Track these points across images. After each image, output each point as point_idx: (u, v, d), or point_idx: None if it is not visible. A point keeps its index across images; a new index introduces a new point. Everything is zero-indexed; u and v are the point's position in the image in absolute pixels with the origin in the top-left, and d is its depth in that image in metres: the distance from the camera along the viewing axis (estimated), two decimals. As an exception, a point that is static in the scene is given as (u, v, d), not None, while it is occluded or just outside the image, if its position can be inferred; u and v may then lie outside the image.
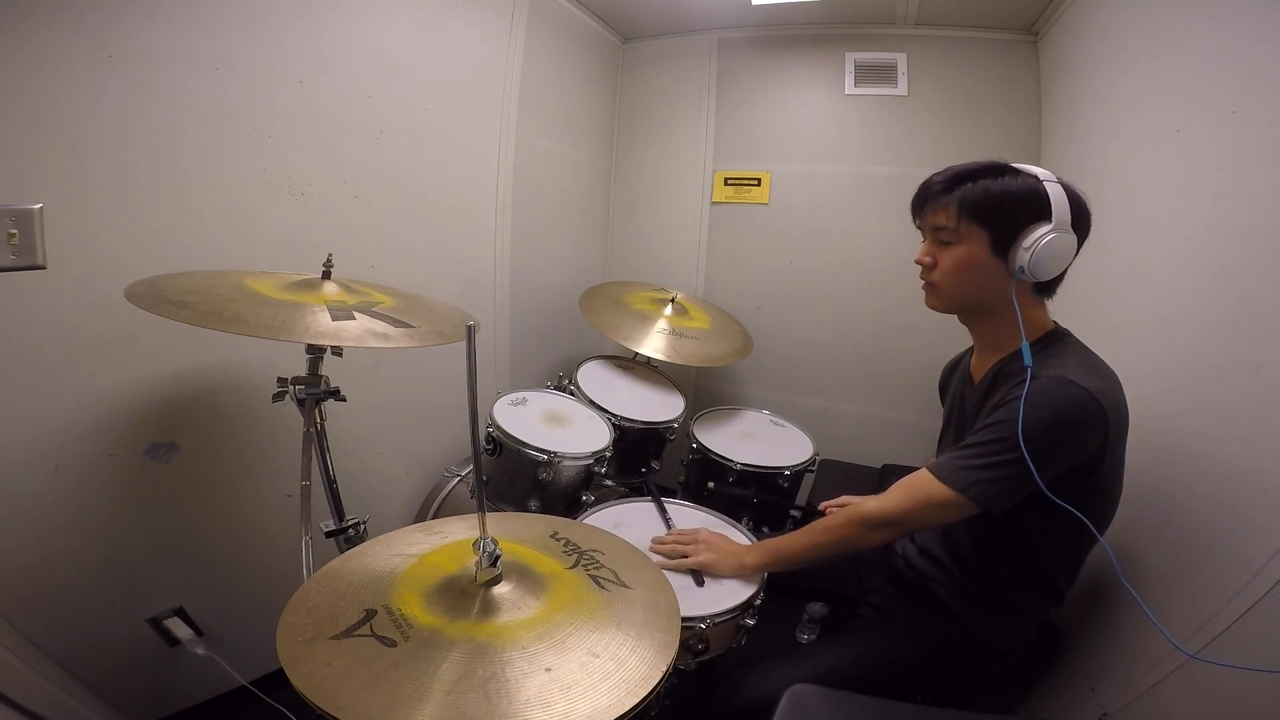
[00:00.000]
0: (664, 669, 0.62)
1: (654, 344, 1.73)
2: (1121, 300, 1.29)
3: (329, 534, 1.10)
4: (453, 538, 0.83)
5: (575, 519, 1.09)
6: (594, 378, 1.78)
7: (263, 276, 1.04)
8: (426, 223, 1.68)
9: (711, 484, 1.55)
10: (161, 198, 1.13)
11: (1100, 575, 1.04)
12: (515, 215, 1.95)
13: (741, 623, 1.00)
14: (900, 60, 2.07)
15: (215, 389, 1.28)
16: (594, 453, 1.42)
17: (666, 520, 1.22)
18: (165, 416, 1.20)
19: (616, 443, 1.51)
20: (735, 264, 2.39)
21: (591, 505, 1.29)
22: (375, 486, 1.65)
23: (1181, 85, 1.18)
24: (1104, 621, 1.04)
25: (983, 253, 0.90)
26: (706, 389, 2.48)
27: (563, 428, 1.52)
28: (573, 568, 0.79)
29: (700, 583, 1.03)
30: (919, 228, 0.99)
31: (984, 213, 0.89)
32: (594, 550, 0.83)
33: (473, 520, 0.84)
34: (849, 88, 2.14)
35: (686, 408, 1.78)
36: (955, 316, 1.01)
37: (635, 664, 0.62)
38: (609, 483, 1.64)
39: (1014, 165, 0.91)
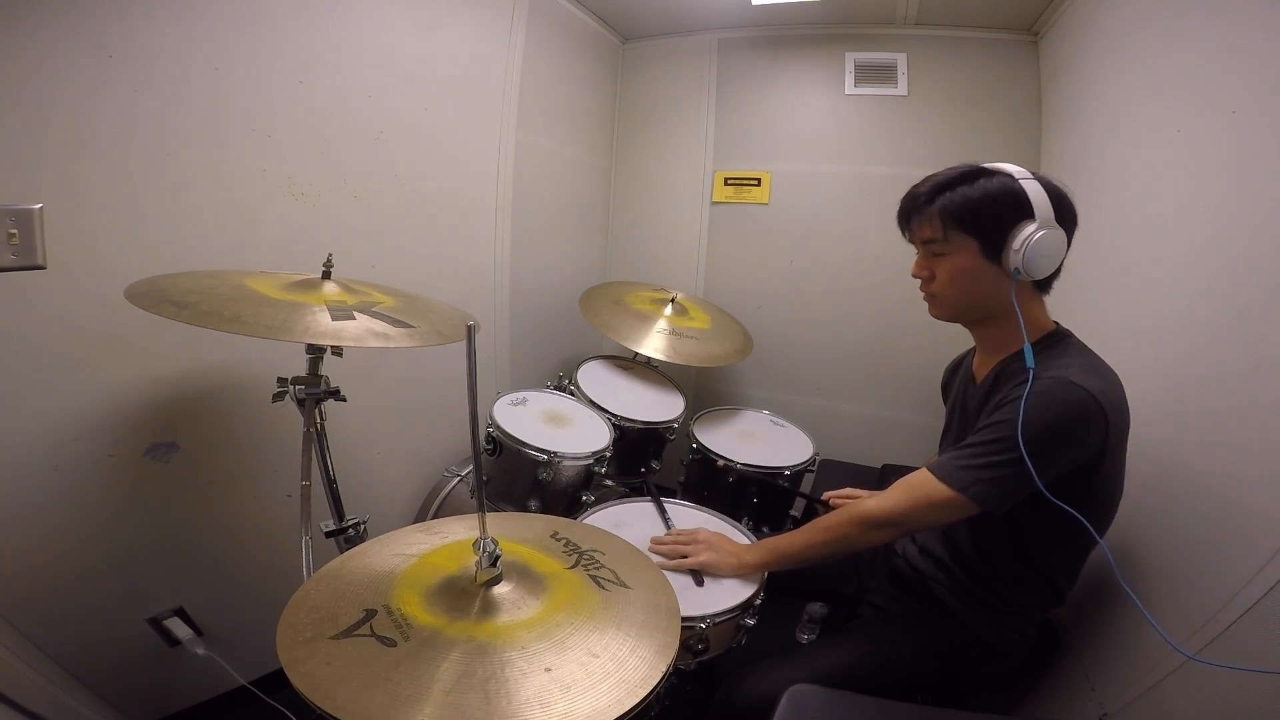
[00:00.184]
0: (664, 669, 0.62)
1: (654, 344, 1.73)
2: (1121, 300, 1.29)
3: (329, 534, 1.10)
4: (453, 538, 0.83)
5: (575, 519, 1.09)
6: (594, 378, 1.78)
7: (263, 276, 1.04)
8: (426, 223, 1.68)
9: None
10: (161, 198, 1.13)
11: (1100, 575, 1.04)
12: (515, 215, 1.95)
13: (741, 623, 1.00)
14: (900, 60, 2.07)
15: (215, 389, 1.28)
16: (594, 453, 1.42)
17: (666, 520, 1.22)
18: (165, 416, 1.20)
19: (616, 443, 1.51)
20: (735, 264, 2.39)
21: (591, 505, 1.29)
22: (375, 486, 1.65)
23: (1181, 85, 1.18)
24: (1104, 621, 1.04)
25: (975, 259, 0.90)
26: (706, 389, 2.48)
27: (563, 428, 1.52)
28: (573, 568, 0.79)
29: (700, 582, 1.03)
30: (909, 241, 0.99)
31: (967, 220, 0.89)
32: (594, 550, 0.83)
33: (473, 520, 0.84)
34: (849, 88, 2.14)
35: (686, 408, 1.78)
36: None
37: (635, 664, 0.62)
38: (609, 483, 1.64)
39: (987, 166, 0.90)
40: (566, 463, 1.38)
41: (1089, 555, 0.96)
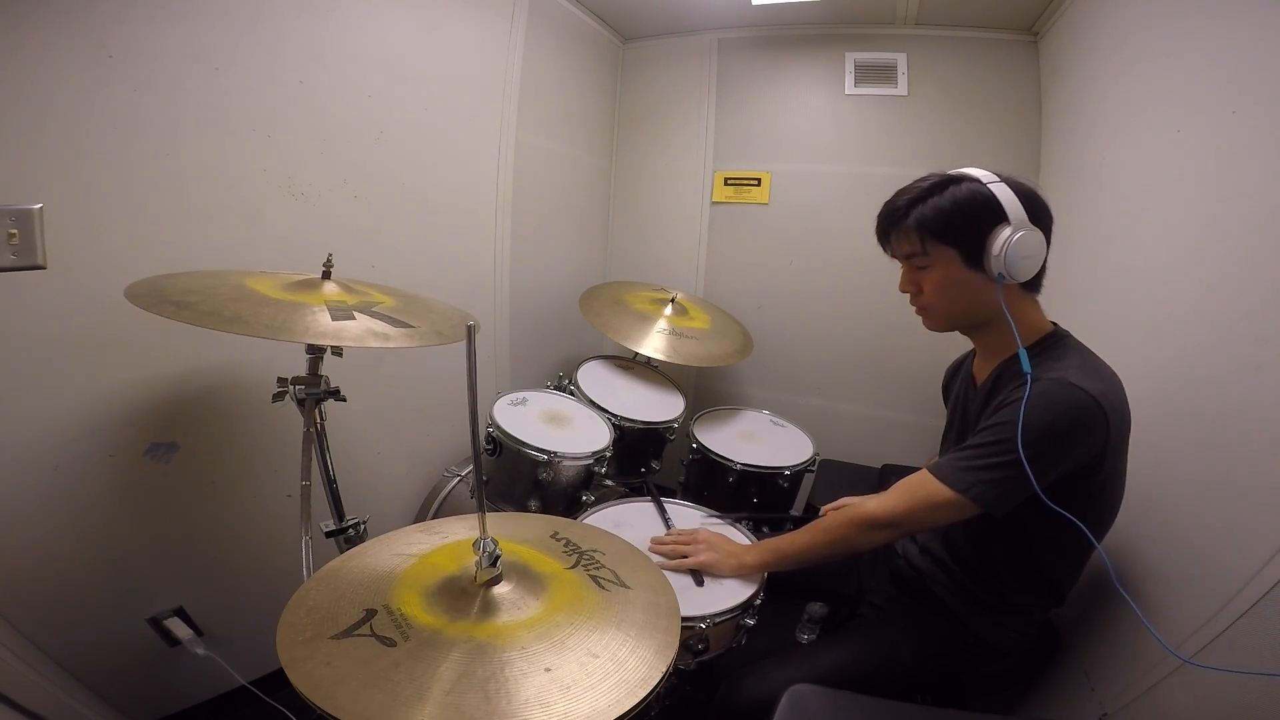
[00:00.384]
0: (664, 669, 0.62)
1: (654, 344, 1.73)
2: (1121, 300, 1.29)
3: (329, 534, 1.10)
4: (453, 538, 0.83)
5: (575, 519, 1.09)
6: (594, 378, 1.77)
7: (263, 276, 1.04)
8: (426, 223, 1.68)
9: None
10: (161, 198, 1.13)
11: (1100, 575, 1.03)
12: (515, 215, 1.95)
13: (741, 623, 1.00)
14: (900, 60, 2.07)
15: (215, 389, 1.28)
16: (594, 453, 1.42)
17: (666, 520, 1.22)
18: (165, 416, 1.20)
19: (616, 443, 1.51)
20: (735, 264, 2.39)
21: (591, 505, 1.29)
22: (375, 486, 1.65)
23: (1181, 85, 1.18)
24: (1104, 621, 1.04)
25: (959, 269, 0.90)
26: (706, 389, 2.48)
27: (563, 428, 1.52)
28: (573, 568, 0.79)
29: (700, 582, 1.03)
30: (892, 257, 1.00)
31: (944, 231, 0.89)
32: (594, 550, 0.83)
33: (473, 520, 0.84)
34: (849, 88, 2.14)
35: (686, 408, 1.78)
36: None
37: (635, 664, 0.62)
38: (609, 483, 1.64)
39: (953, 174, 0.90)
40: (566, 463, 1.38)
41: (1090, 556, 0.96)
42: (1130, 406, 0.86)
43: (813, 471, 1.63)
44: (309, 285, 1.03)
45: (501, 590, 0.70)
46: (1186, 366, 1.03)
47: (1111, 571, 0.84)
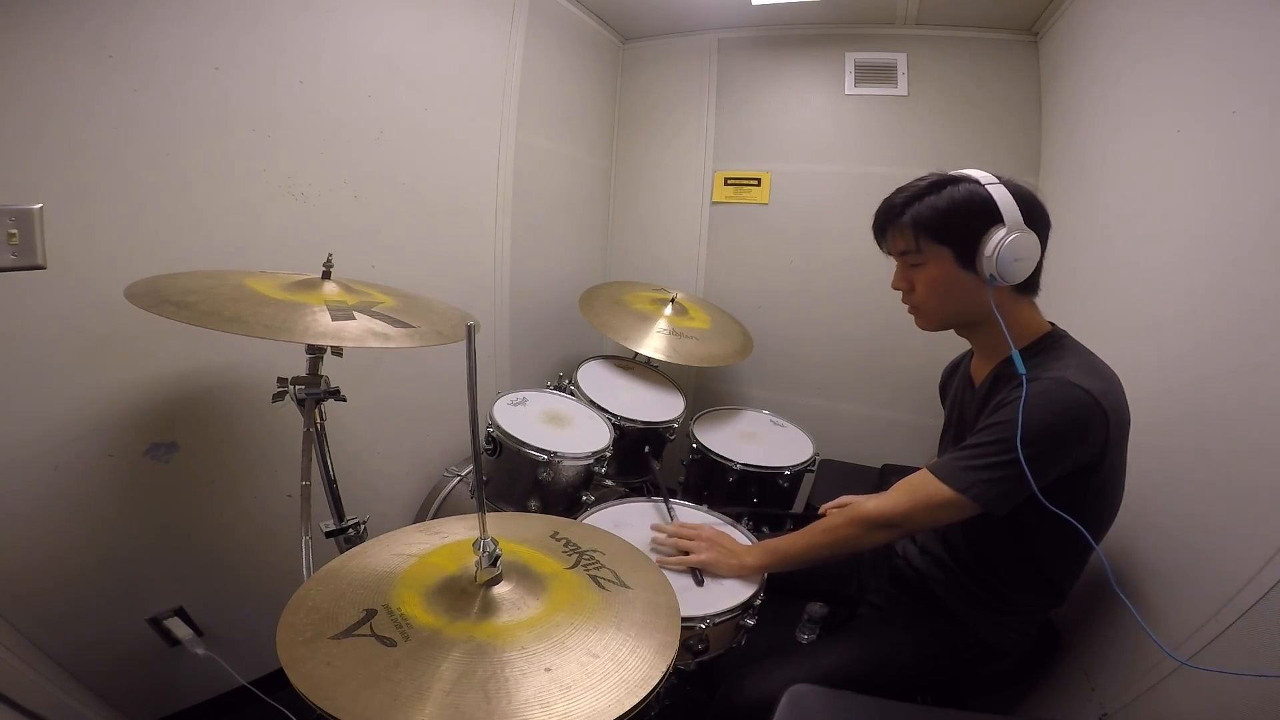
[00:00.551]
0: (664, 669, 0.62)
1: (654, 344, 1.73)
2: (1121, 300, 1.29)
3: (329, 534, 1.10)
4: (453, 538, 0.83)
5: (575, 519, 1.09)
6: (594, 378, 1.77)
7: (263, 276, 1.04)
8: (426, 223, 1.68)
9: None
10: (161, 198, 1.13)
11: (1101, 576, 1.03)
12: (515, 215, 1.95)
13: (741, 623, 1.00)
14: (900, 60, 2.07)
15: (215, 389, 1.28)
16: (594, 453, 1.42)
17: (671, 516, 1.21)
18: (165, 416, 1.20)
19: (616, 443, 1.51)
20: (735, 264, 2.39)
21: (591, 505, 1.29)
22: (375, 486, 1.65)
23: (1181, 85, 1.18)
24: (1104, 622, 1.04)
25: (951, 268, 0.91)
26: (706, 389, 2.48)
27: (563, 428, 1.52)
28: (573, 568, 0.79)
29: (700, 582, 1.03)
30: (887, 254, 1.00)
31: (938, 230, 0.90)
32: (594, 550, 0.83)
33: (473, 520, 0.84)
34: (849, 88, 2.14)
35: (686, 408, 1.78)
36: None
37: (635, 664, 0.62)
38: (609, 483, 1.64)
39: (953, 174, 0.91)
40: (566, 463, 1.38)
41: (1090, 556, 0.96)
42: (1130, 406, 0.86)
43: (813, 471, 1.63)
44: (309, 285, 1.03)
45: (501, 590, 0.70)
46: (1186, 366, 1.03)
47: (1110, 574, 0.84)
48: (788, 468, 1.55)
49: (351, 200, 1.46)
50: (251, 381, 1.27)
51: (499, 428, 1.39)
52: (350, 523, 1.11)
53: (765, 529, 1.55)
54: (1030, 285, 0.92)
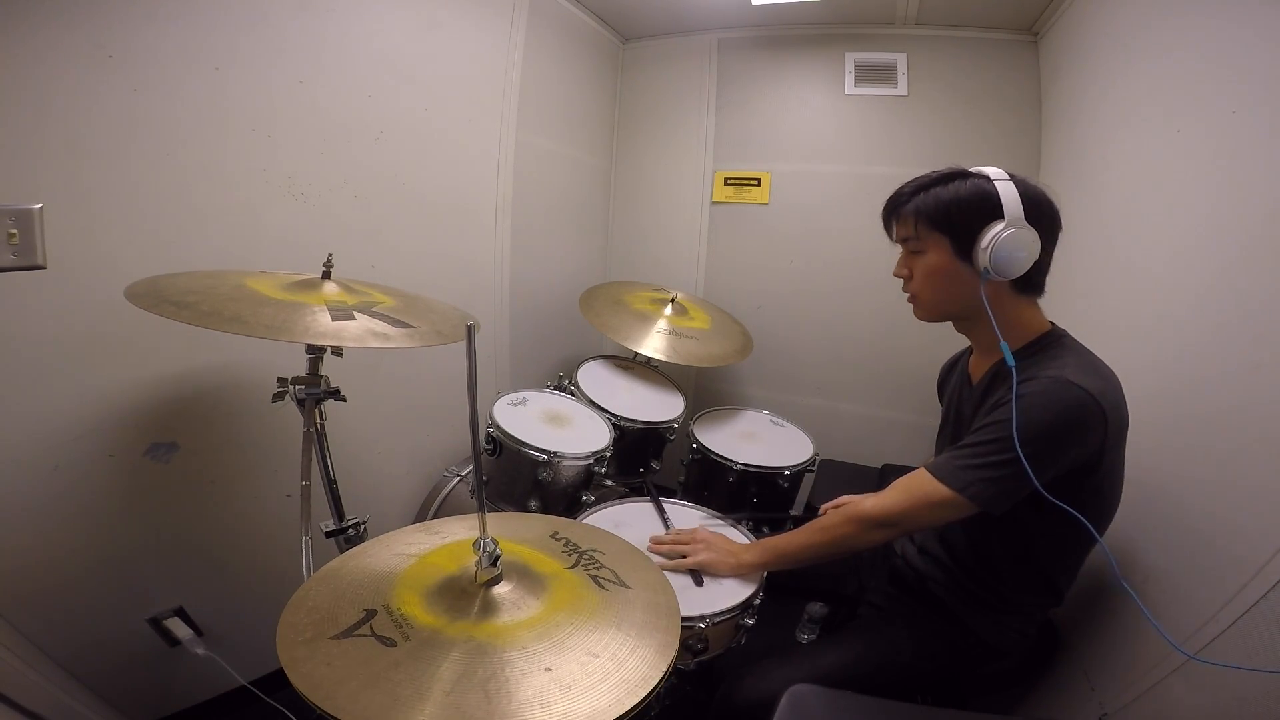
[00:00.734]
0: (664, 669, 0.62)
1: (654, 344, 1.73)
2: (1121, 300, 1.29)
3: (329, 534, 1.10)
4: (453, 538, 0.83)
5: (575, 519, 1.09)
6: (594, 378, 1.77)
7: (263, 276, 1.04)
8: (426, 223, 1.68)
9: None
10: (161, 198, 1.13)
11: (1100, 575, 1.04)
12: (515, 215, 1.95)
13: (741, 622, 1.00)
14: (900, 60, 2.07)
15: (215, 389, 1.28)
16: (594, 453, 1.42)
17: (665, 521, 1.22)
18: (165, 416, 1.20)
19: (616, 443, 1.51)
20: (735, 264, 2.39)
21: (591, 505, 1.29)
22: (375, 486, 1.65)
23: (1181, 85, 1.18)
24: (1104, 621, 1.04)
25: (947, 258, 0.92)
26: (706, 389, 2.48)
27: (563, 428, 1.52)
28: (573, 568, 0.79)
29: (699, 582, 1.03)
30: (893, 241, 1.01)
31: (939, 219, 0.91)
32: (594, 550, 0.83)
33: (473, 520, 0.84)
34: (849, 88, 2.14)
35: (686, 408, 1.78)
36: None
37: (635, 664, 0.62)
38: (609, 483, 1.64)
39: (968, 169, 0.92)
40: (566, 463, 1.38)
41: (1088, 555, 0.96)
42: (1130, 405, 0.86)
43: (813, 471, 1.63)
44: (309, 285, 1.03)
45: (501, 590, 0.70)
46: (1185, 365, 1.03)
47: (1115, 566, 0.84)
48: (788, 468, 1.55)
49: (351, 200, 1.46)
50: (251, 381, 1.27)
51: (499, 428, 1.39)
52: (350, 523, 1.11)
53: (765, 529, 1.56)
54: (1031, 285, 0.92)
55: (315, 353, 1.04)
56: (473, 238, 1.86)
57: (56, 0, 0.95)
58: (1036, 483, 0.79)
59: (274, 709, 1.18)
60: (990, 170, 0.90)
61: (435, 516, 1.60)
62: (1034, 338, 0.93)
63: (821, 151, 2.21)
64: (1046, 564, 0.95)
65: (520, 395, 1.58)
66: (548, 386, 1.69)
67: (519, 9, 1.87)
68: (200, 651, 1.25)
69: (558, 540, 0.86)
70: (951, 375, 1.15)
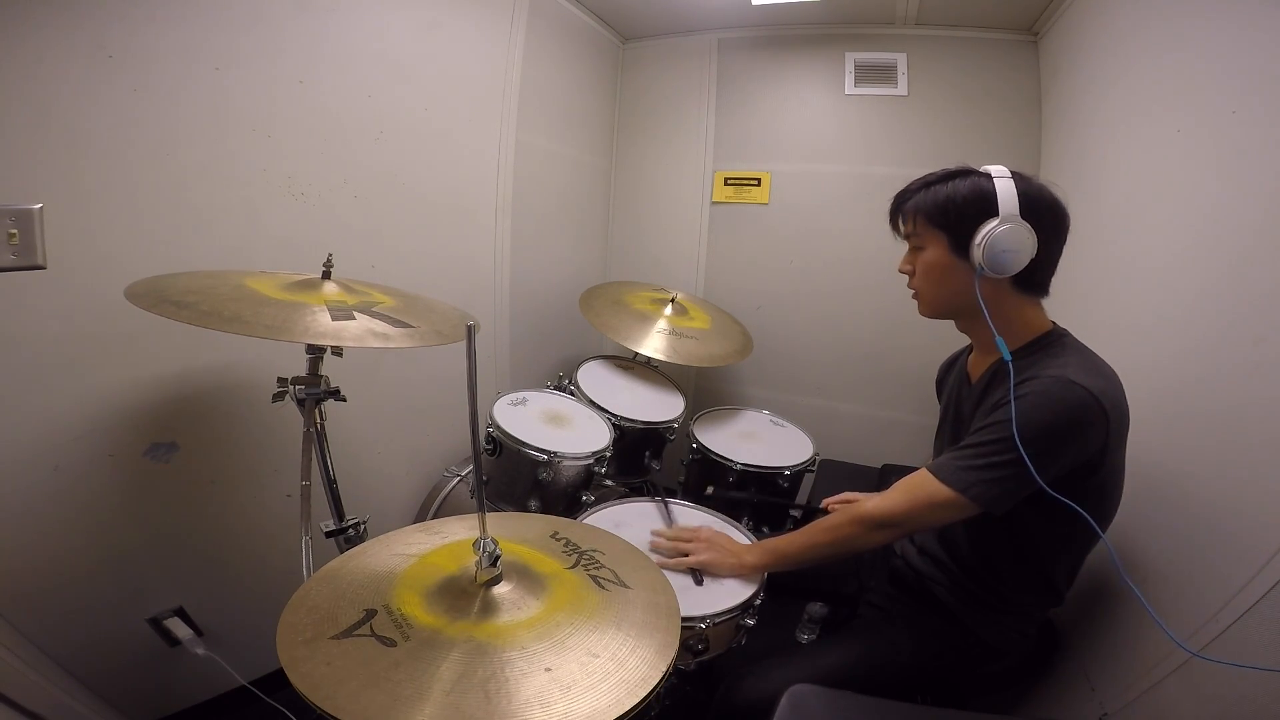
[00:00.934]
0: (664, 669, 0.62)
1: (654, 344, 1.73)
2: (1121, 300, 1.29)
3: (329, 534, 1.10)
4: (453, 538, 0.83)
5: (575, 519, 1.09)
6: (594, 378, 1.77)
7: (263, 276, 1.04)
8: (426, 223, 1.68)
9: (711, 488, 1.55)
10: (161, 198, 1.13)
11: (1101, 575, 1.04)
12: (515, 215, 1.95)
13: (741, 623, 1.00)
14: (900, 60, 2.07)
15: (215, 389, 1.28)
16: (594, 453, 1.42)
17: (669, 520, 1.21)
18: (165, 416, 1.20)
19: (616, 443, 1.51)
20: (735, 264, 2.39)
21: (591, 505, 1.29)
22: (375, 486, 1.65)
23: (1181, 85, 1.18)
24: (1104, 621, 1.04)
25: (945, 254, 0.93)
26: (706, 389, 2.48)
27: (563, 428, 1.52)
28: (573, 568, 0.79)
29: (700, 582, 1.03)
30: (899, 238, 1.02)
31: (937, 216, 0.92)
32: (594, 550, 0.83)
33: (473, 520, 0.84)
34: (849, 88, 2.14)
35: (686, 408, 1.78)
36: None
37: (635, 664, 0.62)
38: (609, 483, 1.64)
39: (970, 168, 0.92)
40: (566, 463, 1.38)
41: (1088, 554, 0.96)
42: (1130, 404, 0.86)
43: (813, 471, 1.63)
44: (309, 285, 1.03)
45: (501, 590, 0.70)
46: (1186, 365, 1.03)
47: (1118, 564, 0.84)
48: (788, 468, 1.55)
49: (351, 200, 1.46)
50: (251, 381, 1.27)
51: (499, 428, 1.39)
52: (350, 523, 1.11)
53: (765, 529, 1.56)
54: (1032, 284, 0.92)
55: (315, 353, 1.04)
56: (473, 238, 1.86)
57: (56, 0, 0.95)
58: (1041, 481, 0.79)
59: (274, 709, 1.17)
60: (994, 168, 0.90)
61: (435, 516, 1.60)
62: (1035, 337, 0.93)
63: (821, 152, 2.21)
64: (1047, 564, 0.95)
65: (520, 395, 1.59)
66: (548, 386, 1.69)
67: (519, 9, 1.87)
68: (200, 651, 1.25)
69: (558, 540, 0.86)
70: (950, 373, 1.15)
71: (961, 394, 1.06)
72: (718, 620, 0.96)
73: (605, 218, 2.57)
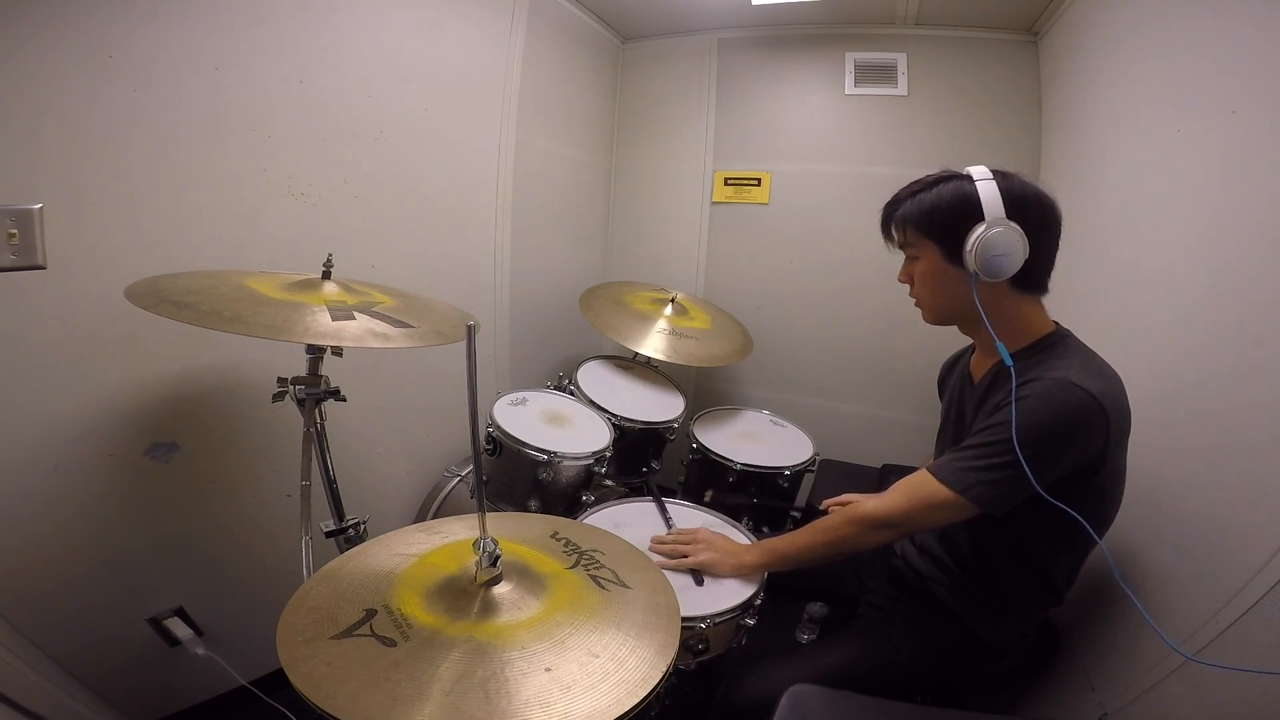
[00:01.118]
0: (664, 669, 0.62)
1: (654, 344, 1.73)
2: (1121, 300, 1.29)
3: (329, 534, 1.10)
4: (453, 538, 0.83)
5: (575, 519, 1.09)
6: (594, 378, 1.78)
7: (263, 276, 1.04)
8: (426, 223, 1.68)
9: (710, 493, 1.55)
10: (161, 198, 1.13)
11: (1100, 575, 1.04)
12: (515, 215, 1.95)
13: (741, 623, 1.00)
14: (900, 60, 2.07)
15: (215, 389, 1.28)
16: (594, 453, 1.42)
17: (667, 520, 1.22)
18: (165, 416, 1.20)
19: (616, 443, 1.51)
20: (735, 264, 2.39)
21: (591, 505, 1.29)
22: (375, 486, 1.65)
23: (1181, 85, 1.18)
24: (1104, 621, 1.04)
25: (939, 263, 0.92)
26: (706, 389, 2.48)
27: (563, 428, 1.52)
28: (573, 568, 0.79)
29: (700, 582, 1.03)
30: (896, 249, 1.01)
31: (925, 225, 0.92)
32: (594, 550, 0.83)
33: (473, 520, 0.84)
34: (849, 88, 2.14)
35: (686, 408, 1.78)
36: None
37: (635, 664, 0.62)
38: (609, 483, 1.64)
39: (954, 172, 0.92)
40: (566, 463, 1.38)
41: (1088, 555, 0.96)
42: (1130, 405, 0.86)
43: (813, 471, 1.63)
44: (309, 285, 1.03)
45: (501, 590, 0.70)
46: (1185, 366, 1.03)
47: (1114, 568, 0.84)
48: (788, 468, 1.55)
49: (351, 200, 1.46)
50: (251, 381, 1.27)
51: (499, 428, 1.39)
52: (350, 523, 1.11)
53: (765, 529, 1.56)
54: (1032, 283, 0.92)
55: (315, 353, 1.04)
56: (473, 238, 1.86)
57: (56, 0, 0.95)
58: (1037, 485, 0.79)
59: (274, 709, 1.17)
60: (975, 170, 0.89)
61: (435, 516, 1.60)
62: (1037, 338, 0.92)
63: (821, 151, 2.21)
64: (1047, 564, 0.95)
65: (520, 395, 1.59)
66: (548, 386, 1.69)
67: (519, 9, 1.87)
68: (200, 651, 1.25)
69: (558, 540, 0.86)
70: (952, 373, 1.15)
71: (964, 394, 1.06)
72: (718, 620, 0.96)
73: (605, 218, 2.57)
